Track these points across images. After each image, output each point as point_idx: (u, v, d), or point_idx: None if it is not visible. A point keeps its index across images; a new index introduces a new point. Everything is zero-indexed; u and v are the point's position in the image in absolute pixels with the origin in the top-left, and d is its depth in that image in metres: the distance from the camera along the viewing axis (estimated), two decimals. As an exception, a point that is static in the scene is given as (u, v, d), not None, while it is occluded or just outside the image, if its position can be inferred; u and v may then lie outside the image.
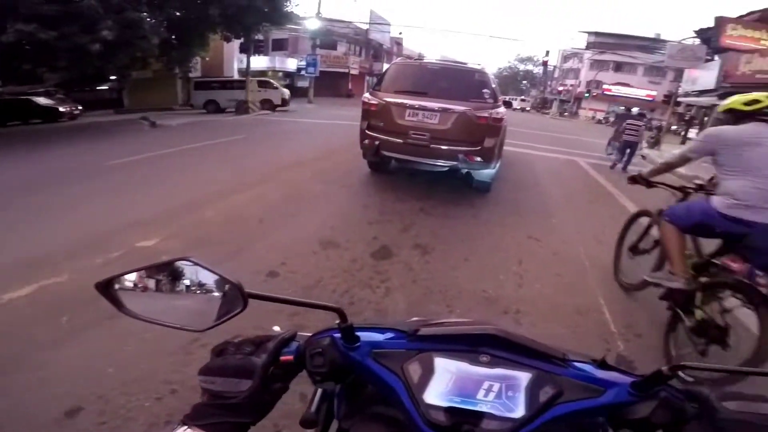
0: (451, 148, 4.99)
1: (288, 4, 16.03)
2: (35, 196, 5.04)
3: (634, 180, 3.10)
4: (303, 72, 25.19)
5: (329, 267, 3.33)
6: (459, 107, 4.97)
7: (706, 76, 12.40)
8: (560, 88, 45.24)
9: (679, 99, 15.74)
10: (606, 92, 36.09)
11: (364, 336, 0.62)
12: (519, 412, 0.53)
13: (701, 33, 13.33)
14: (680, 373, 0.57)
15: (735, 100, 2.37)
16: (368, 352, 0.61)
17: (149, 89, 18.01)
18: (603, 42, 38.81)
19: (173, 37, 13.70)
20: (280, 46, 27.91)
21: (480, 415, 0.53)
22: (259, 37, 18.84)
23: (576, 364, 0.60)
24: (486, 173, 5.44)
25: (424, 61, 6.74)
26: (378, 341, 0.63)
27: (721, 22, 10.10)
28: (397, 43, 40.15)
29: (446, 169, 5.37)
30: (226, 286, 0.61)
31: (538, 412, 0.53)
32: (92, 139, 10.36)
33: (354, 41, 32.62)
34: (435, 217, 4.73)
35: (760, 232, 2.11)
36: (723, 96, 10.73)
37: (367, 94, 5.60)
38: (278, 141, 10.26)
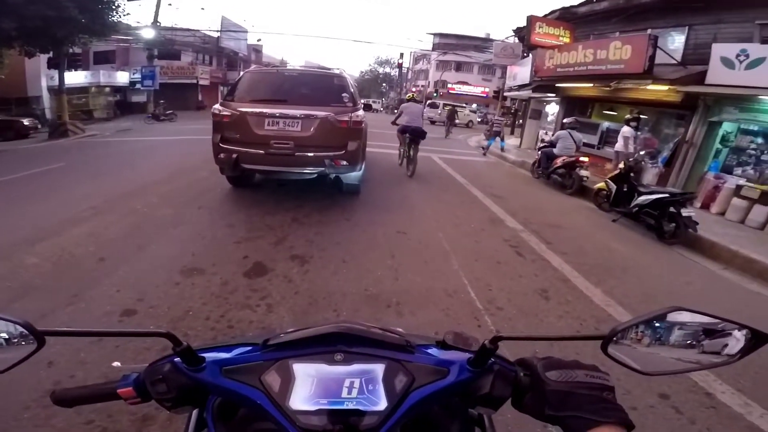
0: (317, 154, 4.97)
1: (113, 14, 13.86)
2: None
3: None
4: (138, 85, 22.43)
5: (197, 295, 3.02)
6: (320, 113, 4.96)
7: (523, 71, 14.15)
8: (413, 89, 48.36)
9: (505, 94, 18.44)
10: (450, 91, 39.31)
11: (210, 356, 0.61)
12: (382, 404, 0.55)
13: (518, 32, 15.27)
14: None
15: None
16: (218, 371, 0.59)
17: None
18: (446, 43, 41.57)
19: None
20: (105, 58, 24.33)
21: (348, 413, 0.54)
22: (76, 50, 15.87)
23: (422, 348, 0.64)
24: (353, 176, 5.58)
25: (281, 68, 6.58)
26: (227, 358, 0.61)
27: (531, 20, 11.23)
28: (256, 50, 38.39)
29: (314, 175, 5.34)
30: (13, 326, 0.54)
31: (398, 402, 0.56)
32: None
33: (202, 50, 30.19)
34: (309, 225, 4.70)
35: None
36: (536, 89, 12.87)
37: (217, 106, 5.22)
38: (112, 166, 8.61)
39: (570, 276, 3.84)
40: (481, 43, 38.31)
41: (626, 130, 7.84)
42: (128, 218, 4.74)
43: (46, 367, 2.08)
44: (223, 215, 4.97)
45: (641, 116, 8.49)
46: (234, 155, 4.93)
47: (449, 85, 39.37)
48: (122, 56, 24.98)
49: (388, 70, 57.12)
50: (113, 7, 13.70)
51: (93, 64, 23.98)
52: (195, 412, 0.71)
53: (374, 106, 38.67)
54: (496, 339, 0.59)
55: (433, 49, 41.93)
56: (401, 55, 42.51)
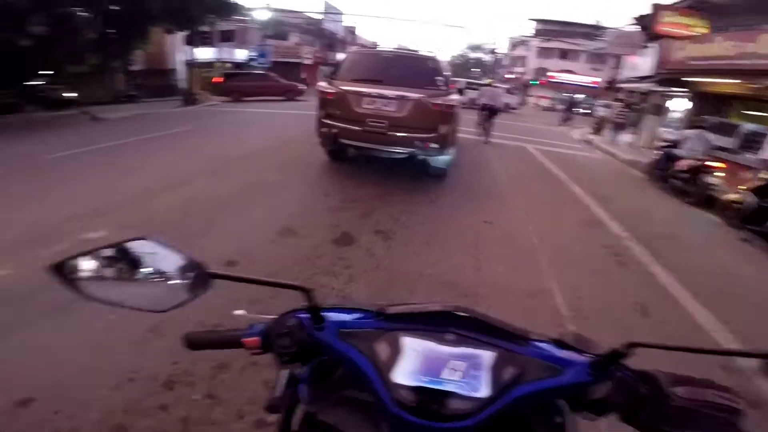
0: (408, 135, 5.02)
1: None
2: None
3: None
4: (254, 62, 24.65)
5: (290, 255, 3.28)
6: (414, 94, 5.00)
7: (644, 62, 12.88)
8: (508, 76, 45.31)
9: (620, 85, 16.63)
10: (552, 79, 36.83)
11: (331, 316, 0.62)
12: (483, 391, 0.54)
13: (640, 20, 13.85)
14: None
15: None
16: (335, 332, 0.60)
17: (89, 83, 16.85)
18: (549, 29, 39.18)
19: (113, 31, 12.90)
20: (227, 37, 27.20)
21: (446, 395, 0.53)
22: (205, 28, 18.11)
23: (537, 343, 0.61)
24: (441, 159, 5.53)
25: (379, 49, 6.70)
26: (345, 321, 0.62)
27: (656, 9, 10.54)
28: (351, 32, 39.65)
29: (404, 155, 5.40)
30: (189, 266, 0.59)
31: (501, 393, 0.54)
32: (30, 133, 9.44)
33: (307, 31, 32.01)
34: (394, 203, 4.77)
35: None
36: (661, 82, 11.45)
37: (323, 83, 5.53)
38: (229, 131, 9.84)
39: (678, 295, 3.36)
40: (591, 31, 34.72)
41: None
42: (242, 178, 5.37)
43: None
44: (320, 184, 5.35)
45: None
46: (334, 130, 5.20)
47: (549, 73, 36.79)
48: (241, 35, 27.46)
49: (480, 55, 54.88)
50: None
51: (219, 41, 26.61)
52: (288, 370, 0.72)
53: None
54: (630, 345, 0.55)
55: (535, 35, 39.25)
56: (496, 40, 40.60)
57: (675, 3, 11.19)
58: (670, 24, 10.34)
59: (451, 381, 0.54)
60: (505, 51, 48.28)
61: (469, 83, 19.85)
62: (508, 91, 28.02)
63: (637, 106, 14.57)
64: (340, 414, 0.61)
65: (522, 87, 41.66)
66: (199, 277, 0.59)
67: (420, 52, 6.09)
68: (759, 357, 0.51)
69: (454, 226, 4.29)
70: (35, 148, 7.16)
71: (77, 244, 3.23)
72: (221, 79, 19.01)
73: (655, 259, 4.06)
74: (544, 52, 38.85)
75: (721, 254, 4.64)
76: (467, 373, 0.55)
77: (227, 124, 11.33)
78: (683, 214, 6.24)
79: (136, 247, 0.60)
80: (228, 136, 8.98)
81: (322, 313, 0.62)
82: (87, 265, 0.60)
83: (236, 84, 18.33)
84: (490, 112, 10.25)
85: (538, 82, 36.73)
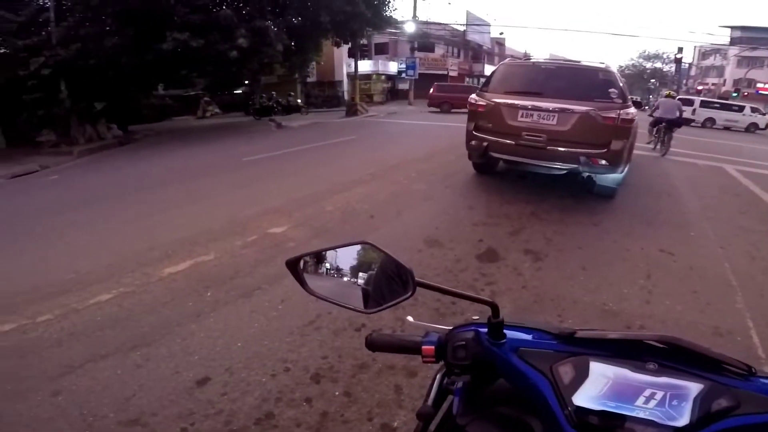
0: (571, 150, 4.68)
1: (388, 8, 16.66)
2: (185, 185, 6.21)
3: None
4: (403, 74, 25.83)
5: (433, 265, 3.35)
6: (581, 107, 4.66)
7: None
8: (700, 87, 40.49)
9: None
10: (762, 91, 31.35)
11: (511, 334, 0.62)
12: (682, 421, 0.49)
13: None
14: None
15: None
16: (514, 350, 0.60)
17: (277, 93, 20.11)
18: (751, 37, 33.91)
19: (293, 43, 15.00)
20: (381, 50, 28.91)
21: (634, 421, 0.50)
22: (364, 41, 19.84)
23: (762, 379, 0.54)
24: (611, 178, 4.97)
25: (537, 60, 6.38)
26: (525, 340, 0.62)
27: None
28: (499, 43, 38.69)
29: (564, 172, 5.04)
30: (397, 271, 0.64)
31: (705, 422, 0.49)
32: (230, 137, 12.05)
33: (451, 43, 32.32)
34: (548, 222, 4.44)
35: None
36: None
37: (474, 95, 5.52)
38: (384, 142, 10.83)
39: None
40: None
41: None
42: (393, 186, 5.79)
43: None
44: (465, 197, 5.37)
45: None
46: (485, 143, 5.15)
47: (758, 85, 31.61)
48: (393, 48, 29.10)
49: (658, 65, 47.76)
50: (386, 2, 16.34)
51: (374, 54, 28.63)
52: (438, 377, 0.72)
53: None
54: None
55: (731, 44, 33.71)
56: (680, 49, 34.97)
57: None
58: None
59: (644, 408, 0.51)
60: (692, 60, 41.53)
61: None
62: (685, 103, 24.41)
63: None
64: (491, 429, 0.61)
65: (720, 98, 35.50)
66: (405, 283, 0.64)
67: (586, 63, 5.60)
68: None
69: (620, 253, 3.77)
70: (234, 151, 9.09)
71: (263, 237, 3.92)
72: (432, 91, 20.44)
73: None
74: (746, 62, 33.81)
75: None
76: (666, 402, 0.51)
77: (385, 134, 12.52)
78: None
79: (356, 249, 0.68)
80: (383, 146, 9.86)
81: (503, 330, 0.62)
82: (312, 263, 0.70)
83: (446, 95, 19.56)
84: (668, 124, 9.46)
85: (739, 95, 30.39)
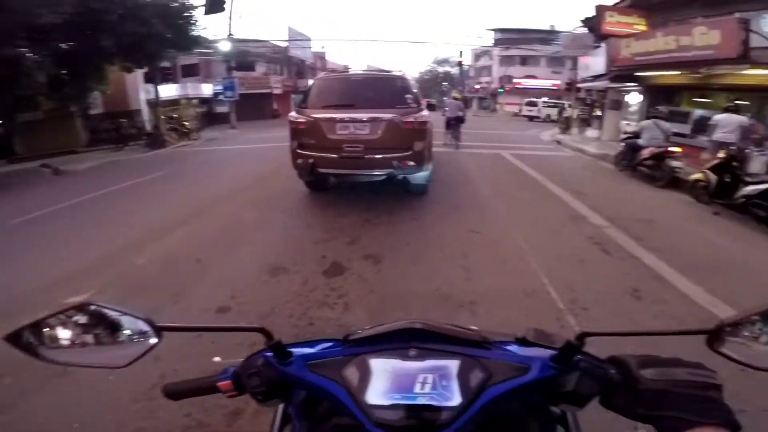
0: (385, 155, 5.05)
1: (194, 28, 15.29)
2: None
3: None
4: (221, 97, 24.16)
5: (281, 293, 3.24)
6: (386, 115, 5.04)
7: (596, 61, 13.55)
8: (477, 86, 46.79)
9: (578, 85, 17.39)
10: (517, 86, 38.00)
11: (297, 351, 0.64)
12: (456, 399, 0.55)
13: (587, 22, 14.55)
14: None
15: None
16: (304, 365, 0.62)
17: (45, 131, 15.95)
18: (508, 38, 39.74)
19: (64, 72, 12.29)
20: (191, 71, 26.57)
21: (421, 408, 0.54)
22: (166, 64, 17.75)
23: (500, 345, 0.63)
24: (420, 176, 5.58)
25: (346, 73, 6.79)
26: (311, 353, 0.64)
27: (600, 10, 11.05)
28: (321, 57, 39.67)
29: (384, 177, 5.42)
30: (137, 322, 0.61)
31: (473, 398, 0.55)
32: None
33: (273, 60, 31.88)
34: (379, 225, 4.80)
35: None
36: (614, 79, 11.96)
37: (293, 113, 5.53)
38: (203, 173, 9.58)
39: (665, 274, 3.48)
40: (546, 36, 36.09)
41: (724, 117, 6.86)
42: (219, 221, 5.22)
43: (153, 362, 2.28)
44: (301, 217, 5.28)
45: (738, 102, 7.44)
46: (310, 160, 5.18)
47: (515, 80, 37.93)
48: (205, 69, 26.78)
49: (448, 68, 56.22)
50: (191, 21, 14.92)
51: (181, 77, 25.83)
52: (281, 407, 0.74)
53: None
54: (582, 335, 0.57)
55: (495, 45, 40.45)
56: (461, 53, 41.67)
57: (615, 3, 11.77)
58: (613, 24, 10.87)
59: (423, 394, 0.55)
60: (470, 62, 49.52)
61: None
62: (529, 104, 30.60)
63: (597, 104, 15.17)
64: None
65: (490, 96, 42.97)
66: (149, 331, 0.60)
67: (386, 72, 6.18)
68: (703, 333, 0.53)
69: (440, 240, 4.33)
70: None
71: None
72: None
73: (637, 243, 4.21)
74: (506, 60, 39.89)
75: (697, 229, 4.85)
76: (437, 385, 0.56)
77: (199, 165, 11.04)
78: (655, 197, 6.49)
79: (83, 312, 0.61)
80: (202, 179, 8.74)
81: (288, 349, 0.63)
82: (43, 332, 0.62)
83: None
84: (455, 121, 11.56)
85: (504, 90, 37.77)
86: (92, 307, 0.61)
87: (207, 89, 26.22)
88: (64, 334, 0.62)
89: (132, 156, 13.98)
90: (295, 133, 5.35)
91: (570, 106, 18.54)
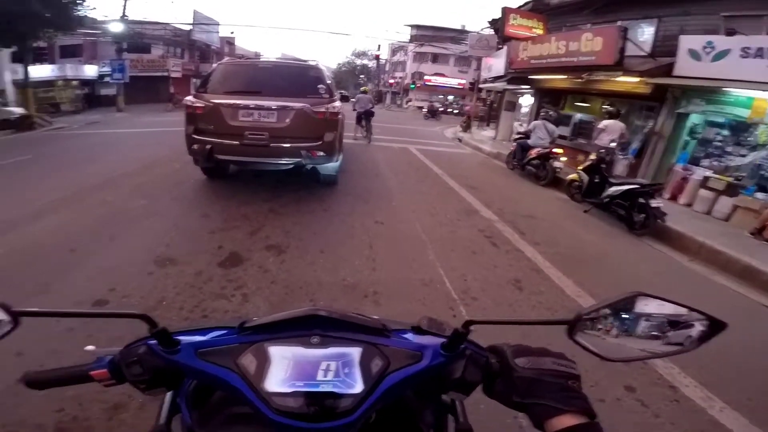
0: (293, 145, 4.95)
1: (79, 8, 13.66)
2: None
3: None
4: (108, 79, 21.81)
5: (171, 285, 2.98)
6: (296, 104, 4.94)
7: (498, 63, 13.93)
8: (391, 81, 47.40)
9: (481, 86, 18.58)
10: (427, 83, 39.26)
11: (186, 338, 0.61)
12: (358, 387, 0.55)
13: (493, 23, 15.38)
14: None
15: None
16: (193, 353, 0.59)
17: None
18: (423, 35, 40.68)
19: None
20: (71, 52, 23.91)
21: (324, 396, 0.54)
22: (41, 44, 15.42)
23: (398, 333, 0.64)
24: (331, 166, 5.56)
25: (255, 60, 6.45)
26: (202, 341, 0.61)
27: (506, 12, 11.41)
28: (229, 42, 37.35)
29: (291, 166, 5.29)
30: None
31: (374, 385, 0.56)
32: None
33: (173, 43, 29.33)
34: (285, 215, 4.67)
35: None
36: (511, 81, 12.84)
37: (189, 97, 5.11)
38: (81, 158, 8.23)
39: (543, 266, 3.92)
40: (457, 35, 38.04)
41: (611, 123, 7.36)
42: (99, 210, 4.63)
43: (14, 357, 2.02)
44: (197, 206, 4.90)
45: (611, 108, 8.36)
46: (208, 146, 4.86)
47: (426, 77, 39.32)
48: (90, 50, 24.57)
49: (365, 62, 56.59)
50: (78, 1, 13.54)
51: (59, 57, 23.66)
52: (168, 396, 0.71)
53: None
54: (467, 323, 0.59)
55: (411, 41, 41.32)
56: (378, 46, 42.08)
57: (520, 6, 12.45)
58: (516, 26, 11.37)
59: (326, 381, 0.55)
60: (387, 57, 49.98)
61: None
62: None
63: (494, 104, 16.39)
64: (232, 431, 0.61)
65: (403, 91, 43.96)
66: (2, 317, 0.54)
67: (298, 61, 6.03)
68: (564, 324, 0.58)
69: (348, 231, 4.36)
70: None
71: None
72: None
73: (521, 237, 4.70)
74: (419, 57, 40.70)
75: (570, 226, 5.55)
76: (340, 372, 0.56)
77: (80, 148, 9.55)
78: (538, 195, 7.29)
79: None
80: (79, 164, 7.53)
81: (176, 337, 0.60)
82: None
83: None
84: (364, 115, 11.54)
85: (415, 86, 38.89)
86: None
87: (91, 70, 24.14)
88: None
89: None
90: (192, 117, 4.98)
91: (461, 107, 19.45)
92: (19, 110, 13.93)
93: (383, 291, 3.15)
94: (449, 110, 32.63)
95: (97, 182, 5.77)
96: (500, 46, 14.55)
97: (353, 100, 11.46)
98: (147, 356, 0.59)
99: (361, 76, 57.15)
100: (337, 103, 5.43)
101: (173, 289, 2.92)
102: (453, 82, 38.71)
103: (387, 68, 50.91)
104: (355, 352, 0.58)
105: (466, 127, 16.65)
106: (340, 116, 5.50)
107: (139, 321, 0.57)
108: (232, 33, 38.49)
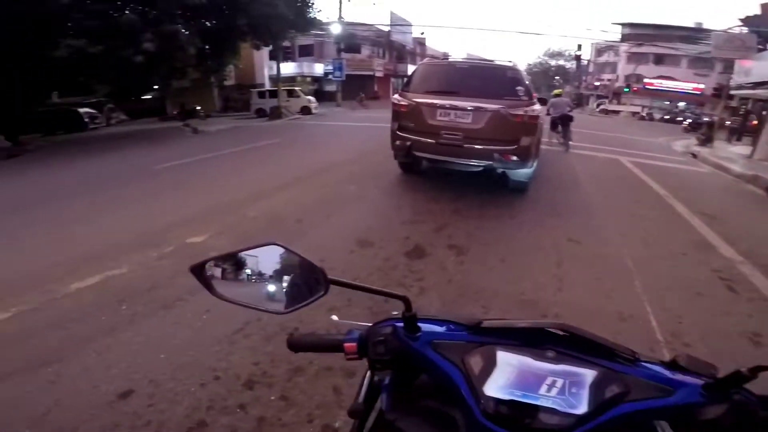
0: (486, 147, 4.91)
1: (311, 10, 16.68)
2: (90, 196, 5.61)
3: None
4: (330, 76, 25.84)
5: (365, 265, 3.38)
6: (492, 105, 4.89)
7: (761, 66, 11.49)
8: (596, 83, 43.49)
9: (731, 92, 14.77)
10: (648, 86, 34.20)
11: (425, 327, 0.64)
12: (581, 408, 0.52)
13: (748, 21, 12.37)
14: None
15: None
16: (428, 343, 0.61)
17: (189, 97, 19.05)
18: (640, 33, 35.14)
19: (207, 47, 14.37)
20: (306, 51, 28.88)
21: (541, 410, 0.52)
22: (287, 44, 19.54)
23: (646, 364, 0.59)
24: (523, 173, 5.30)
25: (452, 60, 6.66)
26: (438, 332, 0.63)
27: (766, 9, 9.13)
28: (420, 43, 39.82)
29: (480, 169, 5.26)
30: (309, 271, 0.64)
31: (601, 409, 0.52)
32: (139, 145, 11.09)
33: (377, 44, 32.79)
34: (470, 217, 4.67)
35: None
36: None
37: (396, 96, 5.63)
38: (310, 144, 10.71)
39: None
40: (691, 34, 30.89)
41: None
42: (322, 189, 5.74)
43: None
44: (393, 196, 5.49)
45: None
46: (408, 143, 5.28)
47: (646, 80, 33.62)
48: (318, 49, 29.07)
49: (561, 62, 51.98)
50: (309, 3, 16.34)
51: (299, 56, 28.48)
52: (368, 374, 0.74)
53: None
54: (757, 369, 0.51)
55: (622, 41, 36.28)
56: (579, 46, 38.18)
57: None
58: None
59: (547, 397, 0.53)
60: (589, 57, 45.21)
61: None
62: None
63: (754, 115, 12.78)
64: (419, 423, 0.62)
65: (613, 95, 38.79)
66: (317, 282, 0.63)
67: (496, 62, 5.94)
68: None
69: (535, 244, 4.06)
70: (146, 159, 8.47)
71: (182, 247, 3.66)
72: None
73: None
74: (635, 58, 36.03)
75: None
76: (566, 390, 0.54)
77: (310, 136, 12.38)
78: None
79: (265, 251, 0.67)
80: (310, 149, 9.76)
81: (418, 323, 0.63)
82: (220, 268, 0.68)
83: None
84: (562, 120, 10.55)
85: (630, 89, 33.80)
86: (273, 247, 0.66)
87: (319, 68, 28.42)
88: (237, 272, 0.68)
89: (253, 124, 15.94)
90: (396, 115, 5.47)
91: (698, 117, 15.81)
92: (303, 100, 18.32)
93: (566, 315, 2.78)
94: (678, 119, 27.09)
95: (322, 166, 7.21)
96: (762, 48, 11.36)
97: (549, 103, 10.52)
98: (391, 337, 0.63)
99: (556, 77, 52.78)
100: (537, 107, 5.18)
101: (365, 270, 3.29)
102: (686, 86, 31.78)
103: (590, 69, 45.65)
104: (588, 374, 0.55)
105: (706, 140, 13.32)
106: (539, 120, 5.23)
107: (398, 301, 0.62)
108: (422, 33, 40.52)
